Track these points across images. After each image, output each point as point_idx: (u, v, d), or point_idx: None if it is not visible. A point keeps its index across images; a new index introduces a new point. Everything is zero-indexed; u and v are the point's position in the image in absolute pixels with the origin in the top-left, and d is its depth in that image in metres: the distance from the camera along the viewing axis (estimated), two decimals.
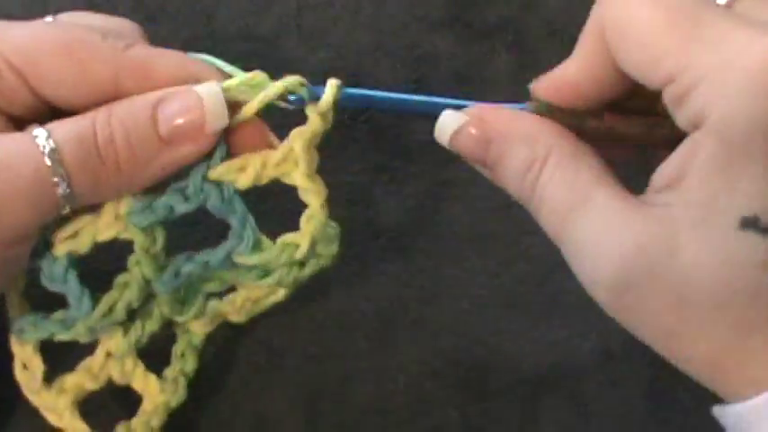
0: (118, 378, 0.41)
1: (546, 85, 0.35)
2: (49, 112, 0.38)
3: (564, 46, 0.46)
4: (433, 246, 0.45)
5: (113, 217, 0.38)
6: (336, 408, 0.44)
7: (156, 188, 0.38)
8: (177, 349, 0.42)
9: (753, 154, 0.29)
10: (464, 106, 0.36)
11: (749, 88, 0.29)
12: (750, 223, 0.29)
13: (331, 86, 0.37)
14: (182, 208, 0.38)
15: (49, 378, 0.40)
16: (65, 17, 0.39)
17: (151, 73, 0.36)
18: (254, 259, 0.39)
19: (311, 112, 0.37)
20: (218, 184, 0.38)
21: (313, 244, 0.39)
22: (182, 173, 0.38)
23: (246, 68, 0.47)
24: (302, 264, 0.40)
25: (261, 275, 0.40)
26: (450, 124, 0.36)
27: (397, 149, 0.46)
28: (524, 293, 0.45)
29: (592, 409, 0.44)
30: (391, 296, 0.45)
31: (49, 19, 0.38)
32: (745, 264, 0.30)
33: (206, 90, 0.36)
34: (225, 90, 0.37)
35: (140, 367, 0.41)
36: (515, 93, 0.46)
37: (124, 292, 0.39)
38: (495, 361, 0.44)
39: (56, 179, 0.34)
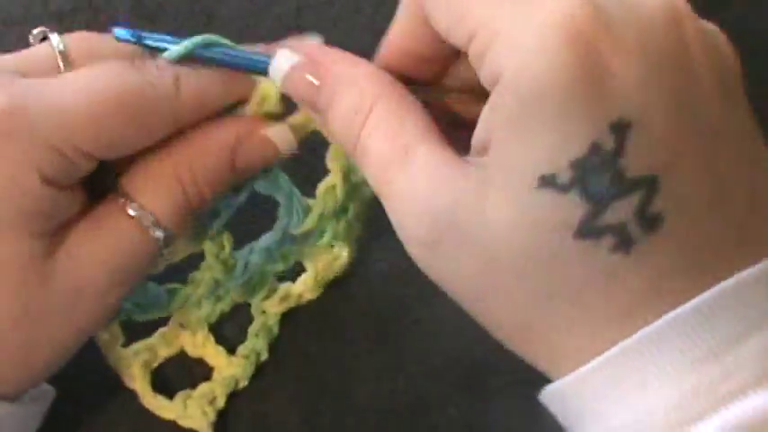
0: (190, 349, 0.43)
1: (382, 52, 0.35)
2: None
3: None
4: None
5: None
6: (336, 408, 0.44)
7: None
8: (253, 328, 0.43)
9: (547, 110, 0.28)
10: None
11: (541, 44, 0.28)
12: (548, 181, 0.28)
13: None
14: (240, 199, 0.39)
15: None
16: (74, 43, 0.37)
17: (205, 107, 0.37)
18: (308, 224, 0.40)
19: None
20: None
21: (346, 176, 0.39)
22: None
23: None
24: (346, 210, 0.41)
25: (318, 237, 0.42)
26: (283, 64, 0.35)
27: None
28: None
29: None
30: (391, 296, 0.45)
31: (56, 41, 0.36)
32: (545, 224, 0.28)
33: (279, 134, 0.37)
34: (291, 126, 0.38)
35: (211, 341, 0.42)
36: None
37: (197, 289, 0.41)
38: (495, 361, 0.44)
39: (163, 249, 0.37)
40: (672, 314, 0.28)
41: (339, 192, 0.40)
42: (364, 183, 0.39)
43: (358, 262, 0.45)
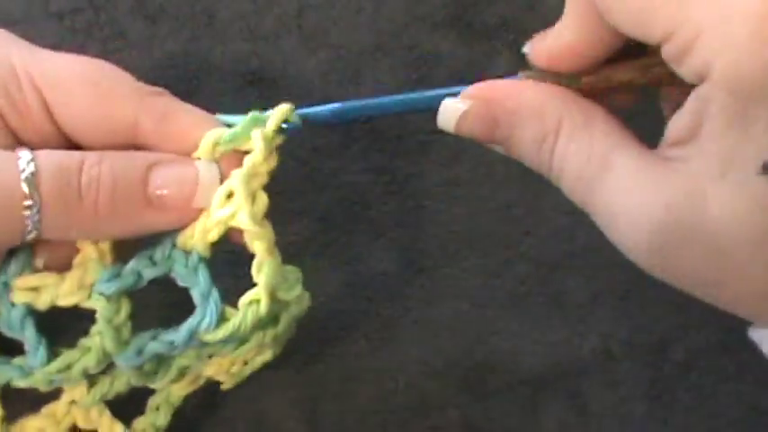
0: (82, 424, 0.39)
1: (544, 53, 0.35)
2: (62, 147, 0.37)
3: None
4: (433, 246, 0.45)
5: (77, 285, 0.37)
6: (336, 408, 0.44)
7: (121, 255, 0.37)
8: (153, 402, 0.40)
9: (763, 99, 0.29)
10: (456, 93, 0.36)
11: (752, 35, 0.29)
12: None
13: (279, 111, 0.36)
14: (149, 274, 0.37)
15: (11, 421, 0.39)
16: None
17: (171, 123, 0.36)
18: (220, 334, 0.36)
19: (256, 138, 0.36)
20: (186, 252, 0.37)
21: (273, 294, 0.36)
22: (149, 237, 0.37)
23: (247, 69, 0.47)
24: (275, 319, 0.38)
25: (237, 345, 0.38)
26: (453, 111, 0.35)
27: (397, 149, 0.46)
28: (524, 293, 0.45)
29: (592, 409, 0.44)
30: (391, 296, 0.45)
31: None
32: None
33: (205, 167, 0.36)
34: (229, 141, 0.36)
35: (106, 416, 0.39)
36: None
37: (84, 356, 0.37)
38: (495, 361, 0.44)
39: (27, 203, 0.34)
40: None
41: (263, 308, 0.36)
42: (294, 301, 0.37)
43: (358, 262, 0.45)
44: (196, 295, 0.36)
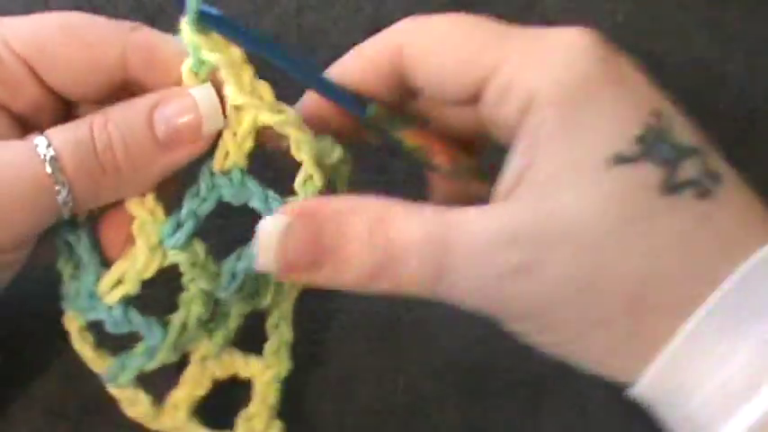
0: (221, 374, 0.41)
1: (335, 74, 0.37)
2: (56, 110, 0.37)
3: None
4: None
5: (150, 252, 0.38)
6: (336, 408, 0.44)
7: (172, 204, 0.38)
8: (270, 322, 0.41)
9: (592, 102, 0.32)
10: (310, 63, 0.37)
11: (569, 54, 0.33)
12: (618, 159, 0.31)
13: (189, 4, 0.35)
14: (204, 209, 0.38)
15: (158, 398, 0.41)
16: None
17: (157, 53, 0.37)
18: None
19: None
20: (226, 173, 0.37)
21: (320, 164, 0.37)
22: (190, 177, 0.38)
23: None
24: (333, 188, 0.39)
25: None
26: (274, 227, 0.34)
27: (396, 150, 0.46)
28: None
29: (592, 409, 0.44)
30: (391, 296, 0.45)
31: None
32: (630, 193, 0.31)
33: (200, 93, 0.36)
34: (200, 64, 0.36)
35: (238, 355, 0.41)
36: None
37: (191, 308, 0.39)
38: (495, 361, 0.44)
39: (57, 187, 0.35)
40: None
41: (317, 180, 0.37)
42: (340, 161, 0.38)
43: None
44: (256, 204, 0.37)
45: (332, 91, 0.37)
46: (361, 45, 0.37)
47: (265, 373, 0.41)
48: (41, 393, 0.44)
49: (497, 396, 0.44)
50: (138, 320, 0.39)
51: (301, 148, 0.36)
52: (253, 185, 0.37)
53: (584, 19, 0.47)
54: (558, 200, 0.31)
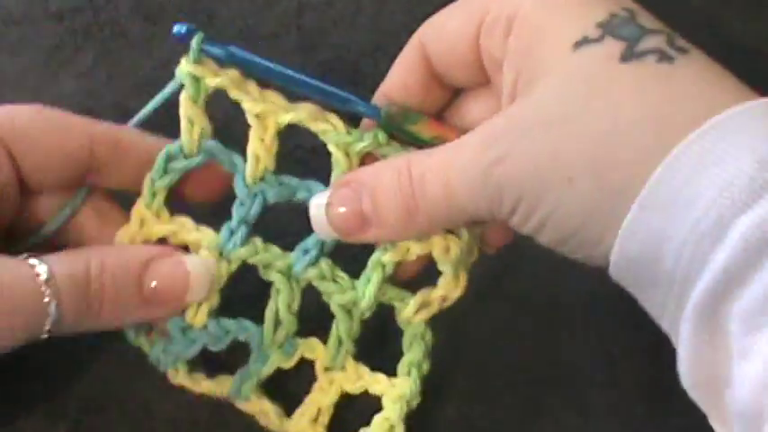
0: (350, 387, 0.41)
1: (381, 92, 0.40)
2: (16, 200, 0.39)
3: None
4: None
5: (217, 260, 0.40)
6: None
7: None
8: (405, 340, 0.41)
9: (562, 7, 0.35)
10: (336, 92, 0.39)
11: None
12: (582, 41, 0.34)
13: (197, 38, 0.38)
14: (252, 215, 0.40)
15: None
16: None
17: (121, 143, 0.39)
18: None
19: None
20: (262, 179, 0.39)
21: (348, 151, 0.39)
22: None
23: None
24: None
25: None
26: (320, 204, 0.38)
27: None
28: (525, 293, 0.45)
29: (592, 409, 0.44)
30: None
31: None
32: (592, 67, 0.33)
33: (196, 264, 0.39)
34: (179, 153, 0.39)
35: (364, 369, 0.41)
36: None
37: (279, 296, 0.40)
38: (495, 361, 0.44)
39: (49, 317, 0.36)
40: (740, 105, 0.31)
41: (343, 165, 0.39)
42: (378, 145, 0.39)
43: (357, 262, 0.45)
44: (302, 195, 0.39)
45: (344, 100, 0.39)
46: (399, 56, 0.40)
47: (392, 391, 0.41)
48: (41, 393, 0.44)
49: (497, 396, 0.44)
50: (233, 326, 0.40)
51: (326, 137, 0.39)
52: (292, 181, 0.40)
53: None
54: (528, 93, 0.34)
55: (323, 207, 0.38)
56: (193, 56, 0.38)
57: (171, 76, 0.47)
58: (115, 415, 0.43)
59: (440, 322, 0.44)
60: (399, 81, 0.39)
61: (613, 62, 0.33)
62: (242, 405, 0.42)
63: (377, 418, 0.41)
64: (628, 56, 0.33)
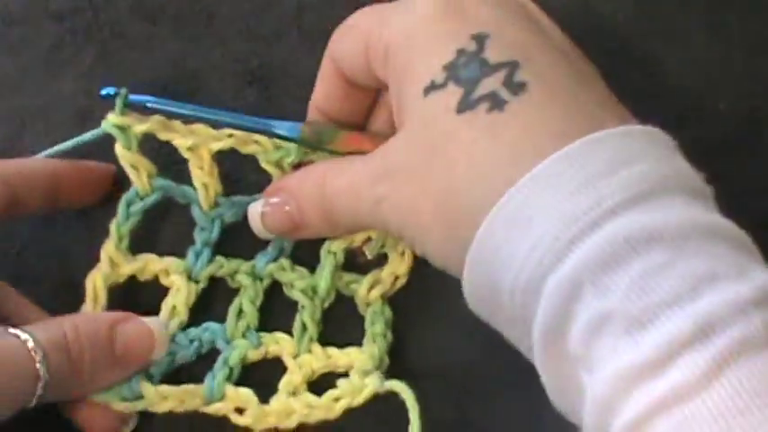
0: (319, 365, 0.43)
1: (311, 105, 0.44)
2: None
3: None
4: None
5: (186, 285, 0.43)
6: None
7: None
8: (367, 319, 0.44)
9: (419, 42, 0.36)
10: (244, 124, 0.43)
11: (412, 8, 0.38)
12: (429, 87, 0.35)
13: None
14: (213, 237, 0.44)
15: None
16: None
17: (85, 168, 0.44)
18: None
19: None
20: (216, 205, 0.44)
21: (279, 165, 0.44)
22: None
23: (247, 69, 0.47)
24: None
25: None
26: (256, 212, 0.43)
27: None
28: None
29: None
30: (391, 297, 0.45)
31: None
32: (435, 116, 0.35)
33: (153, 323, 0.42)
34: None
35: (332, 349, 0.44)
36: None
37: (243, 293, 0.44)
38: (495, 361, 0.44)
39: (40, 383, 0.38)
40: (549, 158, 0.33)
41: (275, 176, 0.44)
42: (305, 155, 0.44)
43: (357, 264, 0.45)
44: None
45: (264, 128, 0.43)
46: (320, 69, 0.43)
47: (361, 356, 0.43)
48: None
49: (497, 396, 0.44)
50: (197, 331, 0.43)
51: (258, 156, 0.43)
52: (243, 199, 0.44)
53: (584, 19, 0.47)
54: (399, 133, 0.37)
55: (257, 215, 0.42)
56: (119, 111, 0.42)
57: (171, 75, 0.47)
58: None
59: (439, 322, 0.44)
60: (322, 92, 0.43)
61: (450, 114, 0.35)
62: (219, 406, 0.42)
63: (353, 370, 0.43)
64: (463, 106, 0.35)
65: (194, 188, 0.43)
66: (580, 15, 0.47)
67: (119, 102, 0.42)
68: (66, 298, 0.44)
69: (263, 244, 0.44)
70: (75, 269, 0.45)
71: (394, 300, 0.45)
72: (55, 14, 0.47)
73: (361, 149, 0.42)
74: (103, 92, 0.42)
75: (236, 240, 0.45)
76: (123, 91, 0.42)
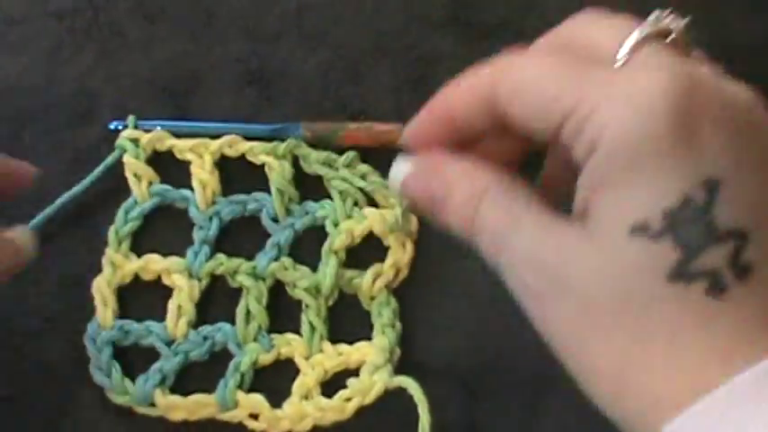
0: (331, 364, 0.44)
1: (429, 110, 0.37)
2: None
3: None
4: (433, 245, 0.45)
5: (187, 281, 0.44)
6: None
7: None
8: (374, 311, 0.45)
9: (642, 167, 0.30)
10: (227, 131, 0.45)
11: (638, 111, 0.30)
12: (641, 229, 0.30)
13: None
14: (211, 235, 0.45)
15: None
16: None
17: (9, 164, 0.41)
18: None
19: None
20: (214, 203, 0.45)
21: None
22: None
23: (247, 69, 0.47)
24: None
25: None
26: (400, 171, 0.37)
27: (396, 150, 0.46)
28: None
29: (592, 409, 0.44)
30: (395, 295, 0.45)
31: None
32: (639, 269, 0.30)
33: (19, 235, 0.40)
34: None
35: (342, 346, 0.44)
36: None
37: (248, 294, 0.44)
38: (495, 361, 0.44)
39: None
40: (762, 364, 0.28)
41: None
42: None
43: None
44: (252, 206, 0.45)
45: (263, 132, 0.45)
46: (462, 77, 0.37)
47: (372, 349, 0.44)
48: (41, 393, 0.44)
49: (497, 396, 0.44)
50: (210, 330, 0.44)
51: (253, 152, 0.45)
52: (240, 196, 0.45)
53: None
54: (578, 252, 0.31)
55: (401, 175, 0.37)
56: (131, 127, 0.45)
57: (171, 75, 0.47)
58: (115, 415, 0.43)
59: (439, 322, 0.44)
60: (456, 102, 0.37)
61: (659, 277, 0.30)
62: (232, 413, 0.43)
63: (363, 367, 0.43)
64: (677, 275, 0.30)
65: (192, 190, 0.44)
66: None
67: (130, 122, 0.45)
68: (67, 298, 0.45)
69: (263, 241, 0.44)
70: (76, 269, 0.45)
71: (398, 298, 0.45)
72: (55, 14, 0.47)
73: (361, 143, 0.44)
74: (112, 126, 0.45)
75: (236, 238, 0.45)
76: (132, 117, 0.45)
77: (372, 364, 0.43)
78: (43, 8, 0.47)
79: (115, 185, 0.45)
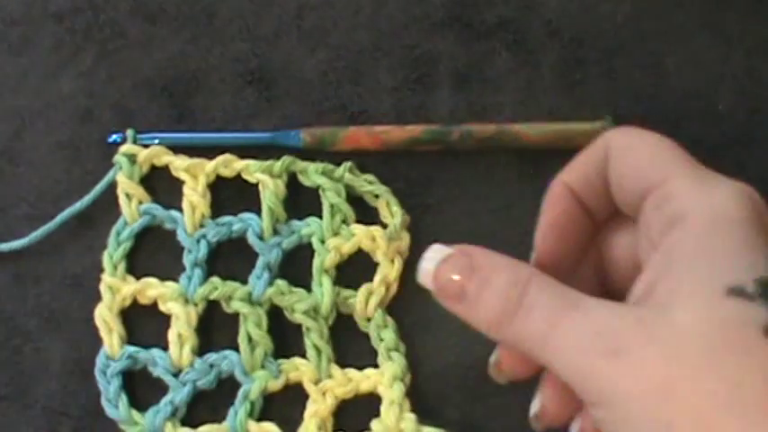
0: (342, 392, 0.43)
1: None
2: None
3: (564, 46, 0.47)
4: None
5: (184, 308, 0.44)
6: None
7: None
8: (372, 333, 0.44)
9: (733, 241, 0.34)
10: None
11: (731, 192, 0.34)
12: (737, 291, 0.32)
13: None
14: (202, 257, 0.44)
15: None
16: None
17: None
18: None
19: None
20: (202, 225, 0.45)
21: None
22: None
23: (247, 69, 0.47)
24: None
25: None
26: (434, 258, 0.37)
27: (395, 152, 0.46)
28: None
29: None
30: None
31: None
32: (734, 322, 0.32)
33: None
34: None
35: (351, 371, 0.44)
36: (515, 92, 0.46)
37: (246, 321, 0.43)
38: None
39: None
40: None
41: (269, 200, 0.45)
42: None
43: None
44: (237, 227, 0.45)
45: (263, 140, 0.45)
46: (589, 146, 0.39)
47: (384, 378, 0.43)
48: (41, 393, 0.44)
49: (497, 396, 0.44)
50: (216, 358, 0.43)
51: (248, 170, 0.45)
52: (226, 218, 0.44)
53: (584, 19, 0.47)
54: (668, 313, 0.33)
55: (433, 261, 0.37)
56: (131, 142, 0.45)
57: (171, 75, 0.47)
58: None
59: (439, 322, 0.44)
60: (579, 165, 0.39)
61: (756, 331, 0.32)
62: None
63: (384, 406, 0.43)
64: None
65: (182, 212, 0.44)
66: (580, 15, 0.47)
67: (129, 136, 0.45)
68: (67, 298, 0.45)
69: (252, 259, 0.44)
70: (76, 269, 0.45)
71: (396, 300, 0.45)
72: (55, 14, 0.47)
73: (362, 146, 0.44)
74: (110, 139, 0.45)
75: (227, 259, 0.45)
76: (131, 131, 0.45)
77: (389, 400, 0.43)
78: (43, 8, 0.47)
79: (115, 185, 0.45)
